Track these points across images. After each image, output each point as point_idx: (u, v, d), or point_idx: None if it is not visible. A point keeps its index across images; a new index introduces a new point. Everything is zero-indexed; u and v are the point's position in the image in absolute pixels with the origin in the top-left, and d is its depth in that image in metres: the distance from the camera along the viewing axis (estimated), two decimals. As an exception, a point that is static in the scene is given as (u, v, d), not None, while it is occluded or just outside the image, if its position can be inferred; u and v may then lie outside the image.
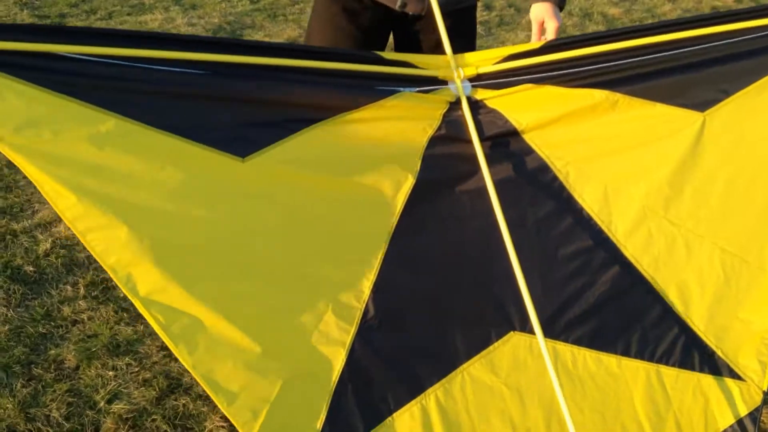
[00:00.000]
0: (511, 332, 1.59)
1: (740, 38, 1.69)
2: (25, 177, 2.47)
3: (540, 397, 1.56)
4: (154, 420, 1.94)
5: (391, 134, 1.60)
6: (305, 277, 1.51)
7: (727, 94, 1.71)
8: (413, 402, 1.53)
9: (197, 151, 1.39)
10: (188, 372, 1.56)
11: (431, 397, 1.53)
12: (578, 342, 1.59)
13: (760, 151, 1.72)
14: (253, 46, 1.76)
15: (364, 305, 1.52)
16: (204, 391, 1.65)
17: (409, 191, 1.57)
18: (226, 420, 1.86)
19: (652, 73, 1.68)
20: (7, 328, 2.21)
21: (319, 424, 1.46)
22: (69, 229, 2.41)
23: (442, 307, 1.59)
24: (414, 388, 1.54)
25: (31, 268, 2.46)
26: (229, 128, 1.44)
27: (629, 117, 1.68)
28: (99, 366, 2.09)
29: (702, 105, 1.70)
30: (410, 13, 1.95)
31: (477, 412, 1.54)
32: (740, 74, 1.72)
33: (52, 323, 2.24)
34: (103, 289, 2.39)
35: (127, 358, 2.12)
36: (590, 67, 1.65)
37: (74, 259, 2.52)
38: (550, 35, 1.83)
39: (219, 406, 1.39)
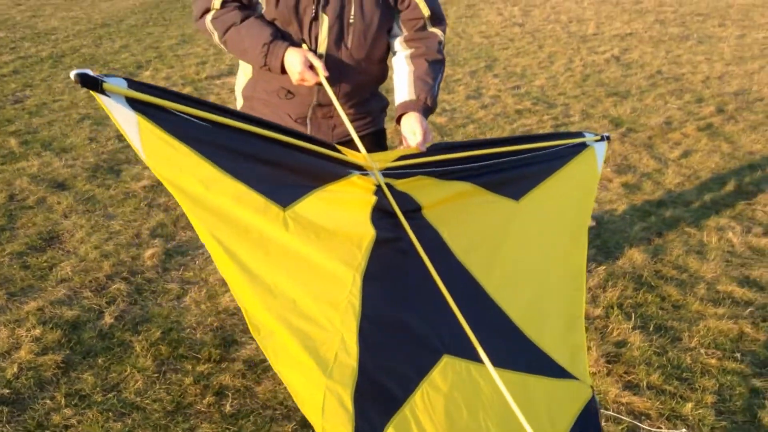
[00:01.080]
0: (444, 355, 2.22)
1: (536, 153, 2.57)
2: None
3: (469, 404, 2.19)
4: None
5: (353, 202, 2.19)
6: (326, 306, 2.03)
7: (527, 189, 2.55)
8: (398, 411, 2.08)
9: (258, 197, 1.92)
10: None
11: (409, 406, 2.09)
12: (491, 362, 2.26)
13: (546, 226, 2.60)
14: (277, 127, 2.12)
15: (358, 324, 2.04)
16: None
17: (372, 242, 2.16)
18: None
19: (490, 173, 2.47)
20: (8, 439, 2.53)
21: (348, 428, 1.99)
22: (31, 351, 2.81)
23: (401, 330, 2.15)
24: (397, 400, 2.08)
25: (7, 391, 2.77)
26: (273, 184, 1.97)
27: (480, 202, 2.46)
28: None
29: (516, 195, 2.53)
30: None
31: (436, 417, 2.15)
32: (533, 176, 2.58)
33: (48, 430, 2.59)
34: (80, 397, 2.76)
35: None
36: (456, 167, 2.39)
37: (42, 378, 2.86)
38: (420, 138, 2.33)
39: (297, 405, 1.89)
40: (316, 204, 2.09)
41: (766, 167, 5.56)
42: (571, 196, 2.69)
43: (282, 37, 2.40)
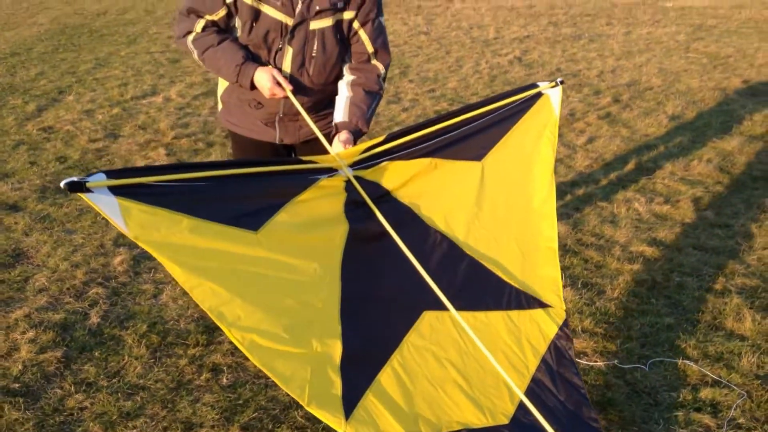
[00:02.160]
0: (425, 311, 2.66)
1: (488, 116, 2.90)
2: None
3: (452, 345, 2.64)
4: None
5: (324, 205, 2.53)
6: (305, 299, 2.42)
7: (488, 148, 2.91)
8: (386, 365, 2.52)
9: (231, 230, 2.24)
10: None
11: (395, 359, 2.54)
12: (461, 308, 2.63)
13: (512, 177, 2.97)
14: (241, 162, 2.56)
15: (339, 308, 2.43)
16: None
17: (346, 234, 2.54)
18: None
19: (449, 144, 2.81)
20: (31, 423, 2.78)
21: (337, 391, 2.37)
22: (30, 351, 3.05)
23: (383, 302, 2.57)
24: (383, 357, 2.53)
25: (16, 385, 3.01)
26: (243, 215, 2.29)
27: (445, 171, 2.80)
28: (123, 428, 2.77)
29: (479, 157, 2.89)
30: (288, 143, 3.05)
31: (422, 363, 2.58)
32: (493, 136, 2.93)
33: (65, 413, 2.85)
34: (87, 384, 3.03)
35: (140, 420, 2.82)
36: (416, 146, 2.73)
37: (46, 372, 3.11)
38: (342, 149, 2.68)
39: (280, 385, 2.24)
40: (287, 217, 2.42)
41: (661, 146, 6.26)
42: (533, 143, 3.00)
43: (253, 59, 2.78)
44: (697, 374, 3.10)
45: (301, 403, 2.18)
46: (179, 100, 7.93)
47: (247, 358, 3.10)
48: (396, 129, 6.82)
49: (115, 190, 1.97)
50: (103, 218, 4.56)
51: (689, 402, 2.93)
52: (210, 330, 3.43)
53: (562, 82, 2.99)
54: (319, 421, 2.67)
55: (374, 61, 2.90)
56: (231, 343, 3.24)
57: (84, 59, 10.41)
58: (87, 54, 10.84)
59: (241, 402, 2.94)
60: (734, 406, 2.88)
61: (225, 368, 3.15)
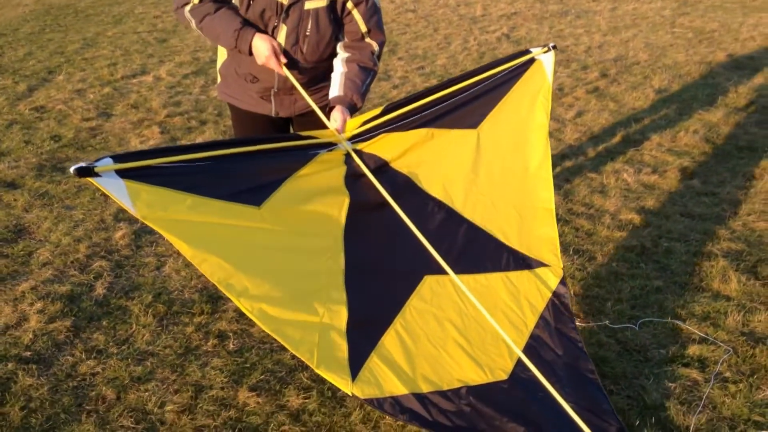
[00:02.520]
0: (426, 276, 2.78)
1: (483, 83, 2.99)
2: None
3: (452, 307, 2.77)
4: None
5: (325, 178, 2.65)
6: (311, 269, 2.53)
7: (484, 116, 3.01)
8: (390, 328, 2.64)
9: (235, 206, 2.35)
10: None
11: (398, 323, 2.66)
12: (461, 272, 2.76)
13: (508, 143, 3.06)
14: (242, 141, 2.62)
15: (343, 277, 2.56)
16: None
17: (348, 205, 2.66)
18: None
19: (444, 114, 2.92)
20: (46, 389, 2.87)
21: (344, 354, 2.45)
22: (40, 321, 3.14)
23: (385, 269, 2.71)
24: (387, 320, 2.65)
25: (28, 353, 3.10)
26: (246, 191, 2.40)
27: (442, 140, 2.92)
28: (135, 391, 2.87)
29: (474, 125, 2.99)
30: (284, 116, 3.14)
31: (423, 324, 2.70)
32: (487, 103, 3.02)
33: (78, 378, 2.95)
34: (97, 351, 3.12)
35: (151, 384, 2.92)
36: (413, 117, 2.84)
37: (57, 340, 3.20)
38: (339, 125, 2.74)
39: (290, 349, 2.36)
40: (289, 191, 2.53)
41: (647, 119, 6.37)
42: (527, 109, 3.08)
43: (250, 25, 2.84)
44: (685, 332, 3.23)
45: (310, 365, 2.30)
46: (169, 79, 7.96)
47: (252, 325, 3.22)
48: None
49: (122, 173, 2.08)
50: (102, 194, 4.64)
51: (678, 358, 3.06)
52: (214, 299, 3.52)
53: (554, 47, 3.05)
54: (324, 381, 2.79)
55: (368, 39, 2.96)
56: (236, 310, 3.36)
57: (71, 39, 10.38)
58: (74, 34, 10.80)
59: (248, 365, 3.04)
60: (720, 361, 3.02)
61: (231, 335, 3.24)
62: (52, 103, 7.01)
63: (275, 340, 2.97)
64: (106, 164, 2.05)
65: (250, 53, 2.84)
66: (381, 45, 3.00)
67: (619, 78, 7.79)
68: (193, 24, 2.88)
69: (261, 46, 2.79)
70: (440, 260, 2.68)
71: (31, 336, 3.21)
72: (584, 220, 4.40)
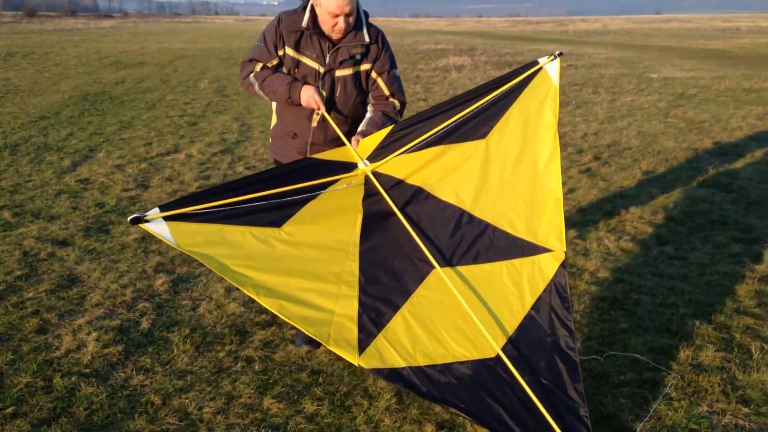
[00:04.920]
0: (433, 269, 3.24)
1: (491, 95, 3.38)
2: None
3: (454, 294, 3.17)
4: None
5: (344, 196, 3.32)
6: (328, 271, 3.14)
7: (492, 126, 3.32)
8: (397, 314, 3.12)
9: (258, 230, 3.08)
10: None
11: (405, 309, 3.14)
12: (469, 262, 3.25)
13: (517, 144, 3.33)
14: (270, 180, 3.22)
15: (358, 276, 3.17)
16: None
17: (362, 217, 3.31)
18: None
19: (454, 129, 3.37)
20: (104, 395, 3.46)
21: (353, 336, 3.00)
22: (96, 346, 3.76)
23: (396, 268, 3.26)
24: (395, 307, 3.14)
25: (88, 370, 3.70)
26: (267, 218, 3.11)
27: (453, 154, 3.38)
28: (178, 398, 3.46)
29: (483, 135, 3.34)
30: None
31: (428, 308, 3.15)
32: (495, 113, 3.32)
33: (130, 389, 3.54)
34: (145, 370, 3.72)
35: (191, 393, 3.51)
36: (426, 135, 3.35)
37: (111, 361, 3.80)
38: (355, 144, 3.49)
39: (304, 331, 2.94)
40: (310, 212, 3.22)
41: (632, 196, 7.04)
42: (536, 111, 3.31)
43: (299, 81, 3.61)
44: (642, 364, 3.78)
45: (322, 342, 2.94)
46: (200, 157, 8.78)
47: (275, 351, 3.82)
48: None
49: (166, 218, 2.86)
50: (143, 250, 5.33)
51: (633, 382, 3.60)
52: (242, 332, 4.13)
53: (560, 54, 3.26)
54: (335, 393, 3.38)
55: (391, 99, 3.75)
56: (260, 341, 3.96)
57: (109, 122, 11.33)
58: (111, 117, 11.77)
59: (271, 381, 3.62)
60: (669, 385, 3.56)
61: (257, 359, 3.84)
62: (94, 176, 7.81)
63: (294, 362, 3.58)
64: (154, 213, 2.84)
65: (299, 100, 3.57)
66: (402, 105, 3.78)
67: (610, 161, 8.50)
68: (256, 86, 3.68)
69: (307, 90, 3.55)
70: (427, 253, 3.21)
71: (89, 357, 3.82)
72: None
